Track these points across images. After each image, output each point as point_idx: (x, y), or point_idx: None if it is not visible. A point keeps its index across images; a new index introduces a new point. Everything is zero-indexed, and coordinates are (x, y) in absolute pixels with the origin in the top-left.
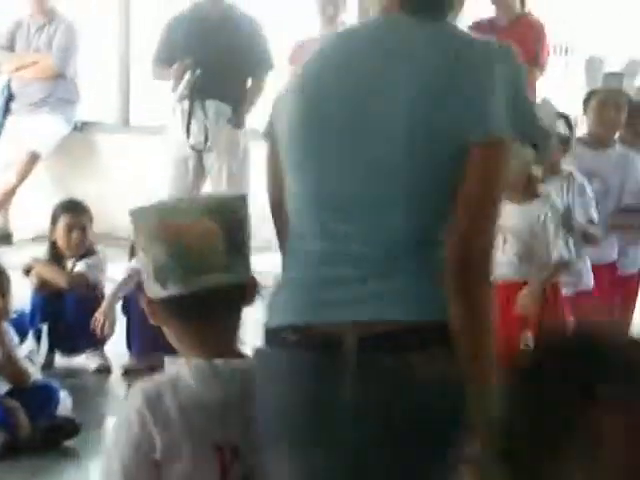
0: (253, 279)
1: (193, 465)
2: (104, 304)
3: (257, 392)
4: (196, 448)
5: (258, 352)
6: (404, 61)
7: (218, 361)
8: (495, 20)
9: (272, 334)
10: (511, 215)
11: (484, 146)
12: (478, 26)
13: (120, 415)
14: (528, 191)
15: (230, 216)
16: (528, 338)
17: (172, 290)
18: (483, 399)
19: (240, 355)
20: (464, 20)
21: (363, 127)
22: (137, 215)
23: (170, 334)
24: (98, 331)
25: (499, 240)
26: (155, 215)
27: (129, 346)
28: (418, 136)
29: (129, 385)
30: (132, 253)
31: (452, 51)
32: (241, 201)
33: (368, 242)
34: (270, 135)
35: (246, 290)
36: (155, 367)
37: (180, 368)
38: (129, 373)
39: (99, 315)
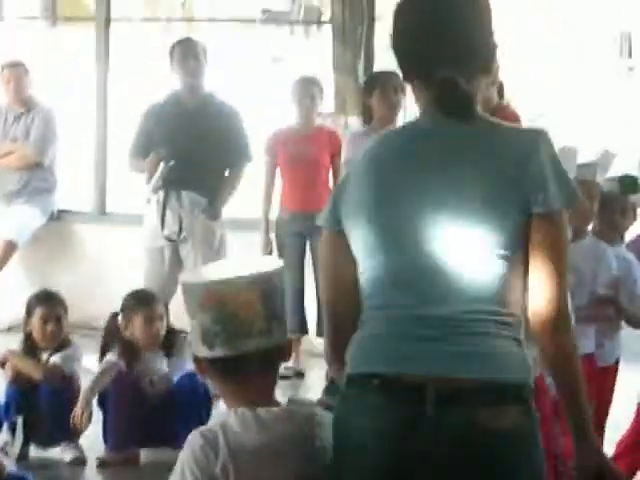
0: (289, 341)
1: None
2: (81, 398)
3: (338, 429)
4: None
5: (341, 395)
6: (466, 156)
7: (260, 410)
8: None
9: (355, 380)
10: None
11: (549, 218)
12: None
13: (182, 457)
14: None
15: (268, 287)
16: None
17: (218, 352)
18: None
19: (277, 404)
20: None
21: (436, 210)
22: (186, 285)
23: (216, 387)
24: (77, 425)
25: None
26: (203, 286)
27: (105, 439)
28: (488, 221)
29: (104, 478)
30: (105, 347)
31: (507, 142)
32: (278, 274)
33: (449, 306)
34: (332, 223)
35: (283, 350)
36: (130, 460)
37: (227, 417)
38: (104, 465)
39: (77, 409)
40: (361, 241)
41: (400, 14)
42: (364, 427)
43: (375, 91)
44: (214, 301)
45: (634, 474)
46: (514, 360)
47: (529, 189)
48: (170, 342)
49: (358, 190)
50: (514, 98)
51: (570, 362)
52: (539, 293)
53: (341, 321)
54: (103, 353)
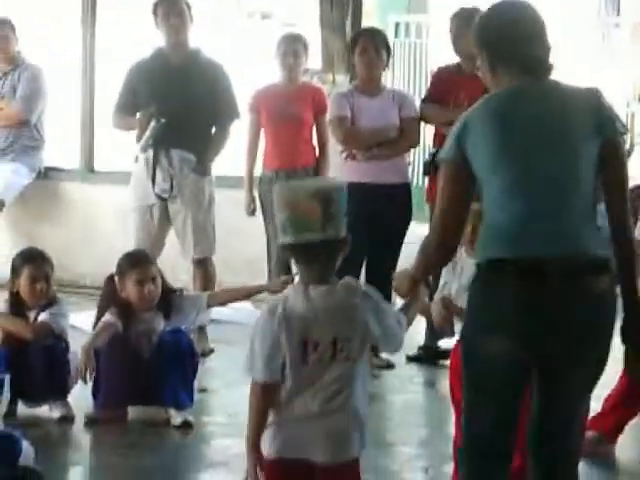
0: (344, 238)
1: (288, 351)
2: (82, 353)
3: (477, 309)
4: (290, 341)
5: (479, 276)
6: (567, 108)
7: (311, 287)
8: (461, 66)
9: (491, 265)
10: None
11: (617, 143)
12: (444, 71)
13: (255, 325)
14: None
15: (327, 198)
16: None
17: (289, 239)
18: None
19: (334, 283)
20: None
21: (554, 149)
22: (275, 190)
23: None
24: (82, 379)
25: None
26: (280, 192)
27: (94, 396)
28: (584, 155)
29: (92, 435)
30: (102, 309)
31: (586, 96)
32: (336, 189)
33: (564, 210)
34: (457, 156)
35: (337, 245)
36: (118, 417)
37: (289, 291)
38: (92, 423)
39: (81, 364)
40: (492, 174)
41: (490, 18)
42: (504, 303)
43: (357, 49)
44: (287, 202)
45: (621, 431)
46: (603, 241)
47: (609, 128)
48: (167, 302)
49: (486, 137)
50: None
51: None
52: (616, 194)
53: (453, 239)
54: (100, 315)
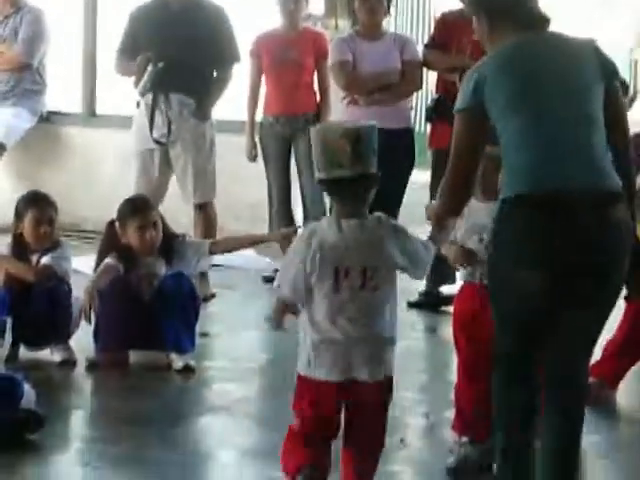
0: (373, 174)
1: (320, 276)
2: (85, 294)
3: (506, 238)
4: (322, 267)
5: (506, 212)
6: (571, 60)
7: (343, 219)
8: (464, 12)
9: (517, 199)
10: (486, 214)
11: (618, 88)
12: (447, 17)
13: (292, 246)
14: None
15: (356, 137)
16: None
17: (322, 175)
18: None
19: (365, 217)
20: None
21: (559, 100)
22: (311, 132)
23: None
24: (87, 318)
25: (475, 239)
26: (314, 130)
27: (96, 340)
28: (594, 97)
29: (93, 379)
30: (103, 254)
31: (587, 45)
32: (365, 130)
33: (581, 144)
34: (475, 104)
35: (366, 180)
36: (119, 361)
37: (322, 222)
38: (93, 367)
39: (85, 303)
40: (511, 119)
41: None
42: (532, 235)
43: None
44: (320, 141)
45: (621, 377)
46: (616, 176)
47: (609, 72)
48: (168, 247)
49: (503, 85)
50: None
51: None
52: (620, 130)
53: (467, 179)
54: (100, 260)
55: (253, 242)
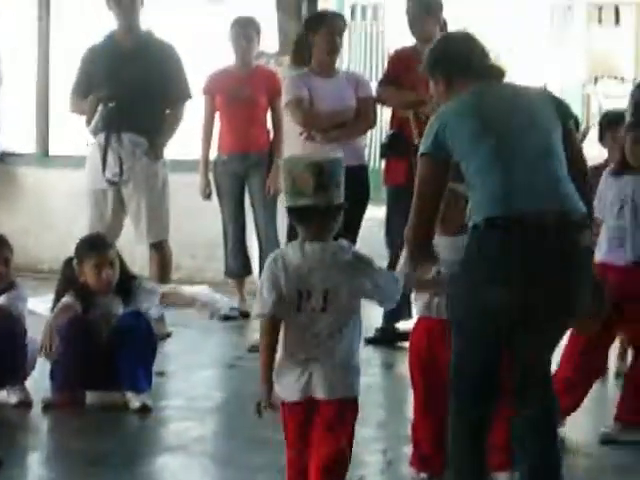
0: (336, 205)
1: (286, 297)
2: (45, 331)
3: (478, 259)
4: (287, 289)
5: (477, 235)
6: (524, 98)
7: (306, 243)
8: (417, 49)
9: (487, 223)
10: (445, 248)
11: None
12: (401, 54)
13: (262, 276)
14: (461, 224)
15: (319, 169)
16: None
17: (289, 203)
18: None
19: (327, 242)
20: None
21: (519, 133)
22: (281, 163)
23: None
24: (48, 356)
25: (433, 272)
26: (284, 165)
27: (52, 380)
28: (553, 133)
29: (49, 420)
30: (61, 292)
31: (541, 92)
32: (329, 162)
33: (545, 171)
34: (437, 150)
35: (329, 210)
36: (76, 401)
37: (287, 247)
38: (49, 407)
39: (45, 341)
40: (474, 159)
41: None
42: (502, 256)
43: (321, 31)
44: (287, 172)
45: (568, 413)
46: (581, 203)
47: (564, 114)
48: (125, 287)
49: (465, 126)
50: None
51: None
52: (579, 164)
53: (431, 220)
54: (58, 298)
55: (202, 305)
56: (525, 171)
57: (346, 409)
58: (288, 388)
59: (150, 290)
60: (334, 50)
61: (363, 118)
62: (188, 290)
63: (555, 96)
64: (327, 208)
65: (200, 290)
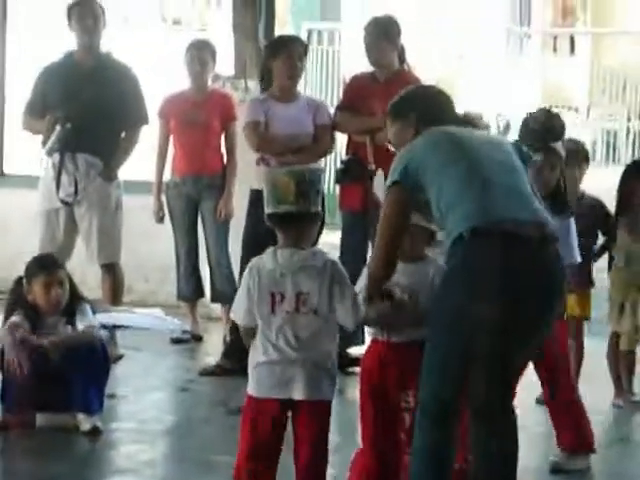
0: (316, 212)
1: (259, 301)
2: (8, 350)
3: (469, 262)
4: (260, 292)
5: (461, 246)
6: (492, 137)
7: (280, 249)
8: (375, 74)
9: (471, 232)
10: (402, 273)
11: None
12: (358, 79)
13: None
14: (419, 254)
15: (301, 177)
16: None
17: (270, 210)
18: None
19: (303, 249)
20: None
21: (490, 156)
22: (263, 173)
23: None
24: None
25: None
26: (266, 174)
27: (2, 401)
28: (515, 159)
29: (0, 441)
30: (10, 311)
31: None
32: (310, 171)
33: (520, 192)
34: (406, 180)
35: (308, 217)
36: (26, 423)
37: (264, 254)
38: (1, 428)
39: (10, 361)
40: (447, 183)
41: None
42: (485, 264)
43: (280, 56)
44: (269, 180)
45: None
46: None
47: (523, 155)
48: (72, 308)
49: (438, 151)
50: (416, 63)
51: None
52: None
53: (395, 252)
54: (7, 317)
55: None
56: (500, 186)
57: (323, 411)
58: (264, 385)
59: (87, 318)
60: (293, 75)
61: (320, 144)
62: (140, 312)
63: (515, 143)
64: (307, 215)
65: (152, 312)
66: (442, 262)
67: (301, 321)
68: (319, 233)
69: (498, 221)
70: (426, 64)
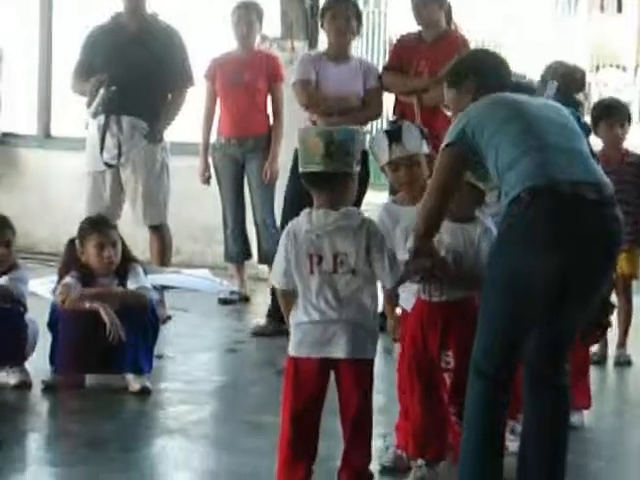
0: (346, 172)
1: (296, 264)
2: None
3: (528, 221)
4: (297, 255)
5: (524, 201)
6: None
7: (314, 210)
8: (421, 35)
9: (530, 191)
10: (447, 231)
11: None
12: (405, 40)
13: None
14: (469, 214)
15: (329, 137)
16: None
17: (301, 169)
18: None
19: (337, 210)
20: None
21: (548, 118)
22: (298, 130)
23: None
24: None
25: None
26: (298, 134)
27: (51, 362)
28: (570, 121)
29: (49, 401)
30: (63, 272)
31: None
32: (338, 132)
33: (580, 154)
34: (463, 140)
35: (338, 177)
36: (76, 383)
37: (299, 216)
38: (49, 389)
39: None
40: (505, 141)
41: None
42: (546, 223)
43: (327, 17)
44: (300, 139)
45: None
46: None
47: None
48: (125, 270)
49: (497, 112)
50: (463, 23)
51: None
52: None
53: (443, 213)
54: (61, 277)
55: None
56: (558, 147)
57: (365, 369)
58: (305, 345)
59: (138, 273)
60: (340, 35)
61: (369, 108)
62: (188, 273)
63: (572, 111)
64: (336, 175)
65: (200, 274)
66: (490, 224)
67: (340, 281)
68: (362, 193)
69: (556, 181)
70: (473, 24)
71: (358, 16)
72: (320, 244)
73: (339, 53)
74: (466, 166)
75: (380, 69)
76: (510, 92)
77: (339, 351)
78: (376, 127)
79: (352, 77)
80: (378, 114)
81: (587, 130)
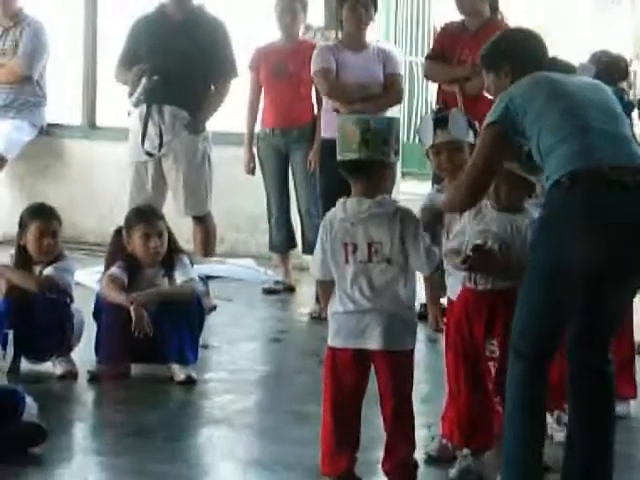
0: (381, 161)
1: (332, 253)
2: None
3: (569, 206)
4: (333, 244)
5: (564, 186)
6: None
7: (349, 199)
8: (465, 24)
9: (580, 175)
10: (493, 221)
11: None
12: (448, 28)
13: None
14: (517, 205)
15: (366, 126)
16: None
17: (339, 157)
18: None
19: (374, 198)
20: None
21: (589, 99)
22: (337, 119)
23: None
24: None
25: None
26: (337, 121)
27: (97, 352)
28: (613, 102)
29: (94, 391)
30: (110, 262)
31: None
32: (375, 120)
33: (622, 137)
34: (505, 121)
35: (373, 166)
36: (121, 373)
37: (337, 204)
38: (95, 379)
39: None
40: (547, 122)
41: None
42: (588, 208)
43: (346, 6)
44: (339, 127)
45: None
46: None
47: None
48: (171, 260)
49: (539, 92)
50: (509, 12)
51: None
52: None
53: (481, 194)
54: (108, 267)
55: None
56: (600, 130)
57: (402, 361)
58: (341, 335)
59: (185, 264)
60: (357, 22)
61: (389, 94)
62: (233, 263)
63: (615, 90)
64: (372, 163)
65: (244, 263)
66: (537, 214)
67: (375, 271)
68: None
69: (597, 166)
70: (517, 12)
71: (375, 2)
72: (354, 232)
73: (356, 41)
74: (507, 146)
75: (421, 56)
76: (548, 71)
77: (373, 342)
78: (417, 114)
79: (371, 64)
80: (399, 100)
81: (631, 107)
